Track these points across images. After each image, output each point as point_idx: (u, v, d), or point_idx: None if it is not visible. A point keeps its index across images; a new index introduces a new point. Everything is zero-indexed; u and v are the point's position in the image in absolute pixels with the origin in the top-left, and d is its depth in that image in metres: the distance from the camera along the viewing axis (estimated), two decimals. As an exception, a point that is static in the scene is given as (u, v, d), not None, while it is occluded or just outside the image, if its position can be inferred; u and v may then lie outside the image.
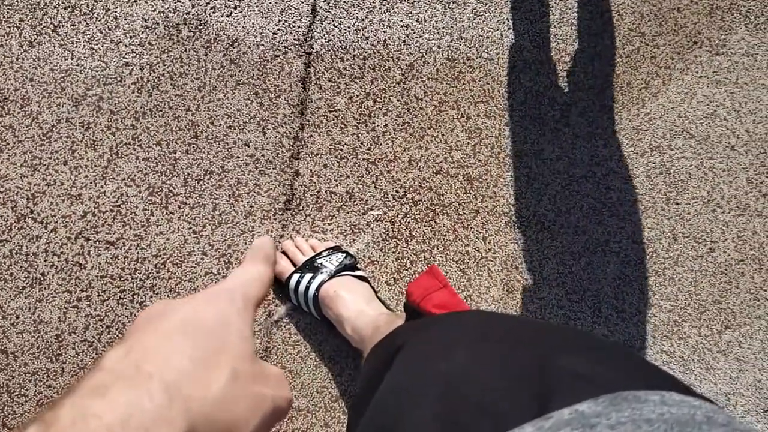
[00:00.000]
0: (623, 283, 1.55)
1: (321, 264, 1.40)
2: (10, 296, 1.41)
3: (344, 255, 1.43)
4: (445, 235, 1.54)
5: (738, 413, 1.51)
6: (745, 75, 1.69)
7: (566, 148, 1.61)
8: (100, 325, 1.41)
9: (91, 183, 1.48)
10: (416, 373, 0.73)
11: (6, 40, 1.54)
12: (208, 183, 1.51)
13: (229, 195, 1.51)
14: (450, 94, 1.62)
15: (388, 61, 1.63)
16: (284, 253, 1.45)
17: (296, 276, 1.40)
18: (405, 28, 1.64)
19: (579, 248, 1.55)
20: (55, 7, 1.57)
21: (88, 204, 1.47)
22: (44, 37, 1.55)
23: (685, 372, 1.53)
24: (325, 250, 1.43)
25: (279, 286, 1.46)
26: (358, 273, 1.42)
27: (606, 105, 1.64)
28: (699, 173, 1.63)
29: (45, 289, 1.42)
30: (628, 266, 1.56)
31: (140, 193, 1.49)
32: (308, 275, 1.39)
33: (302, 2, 1.63)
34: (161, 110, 1.54)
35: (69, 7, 1.57)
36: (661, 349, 1.52)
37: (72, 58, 1.54)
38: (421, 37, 1.64)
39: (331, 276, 1.38)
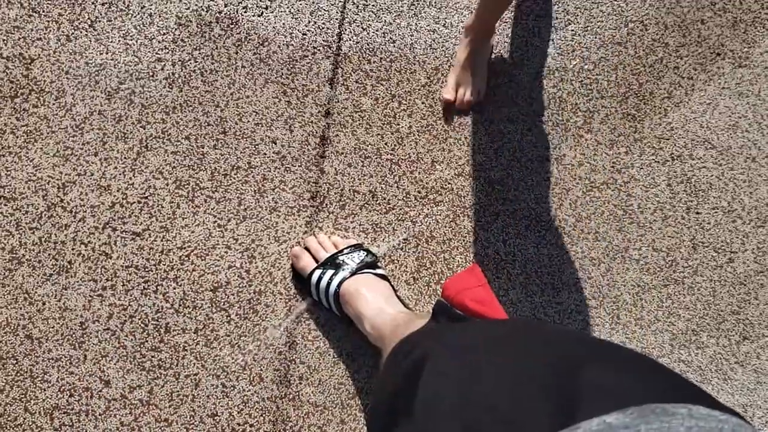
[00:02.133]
0: (642, 290, 1.45)
1: (343, 261, 1.31)
2: (37, 283, 1.34)
3: (365, 253, 1.34)
4: (466, 237, 1.44)
5: (756, 425, 1.41)
6: (767, 87, 1.58)
7: (588, 155, 1.51)
8: (124, 315, 1.34)
9: (120, 174, 1.41)
10: (442, 386, 0.67)
11: (45, 33, 1.47)
12: (234, 178, 1.43)
13: (255, 190, 1.43)
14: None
15: (414, 64, 1.54)
16: (307, 248, 1.37)
17: (318, 272, 1.32)
18: (432, 33, 1.55)
19: (599, 254, 1.45)
20: (92, 3, 1.50)
21: (117, 195, 1.40)
22: (81, 32, 1.48)
23: (702, 382, 1.42)
24: (347, 248, 1.34)
25: (300, 281, 1.38)
26: (378, 271, 1.34)
27: (628, 113, 1.54)
28: (720, 183, 1.52)
29: (71, 277, 1.35)
30: (648, 274, 1.46)
31: (168, 185, 1.42)
32: (330, 272, 1.31)
33: (332, 5, 1.55)
34: (191, 105, 1.46)
35: (106, 3, 1.50)
36: (679, 358, 1.42)
37: (107, 53, 1.47)
38: (447, 41, 1.55)
39: (353, 273, 1.29)
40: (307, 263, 1.34)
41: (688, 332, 1.42)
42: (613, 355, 0.69)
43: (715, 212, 1.50)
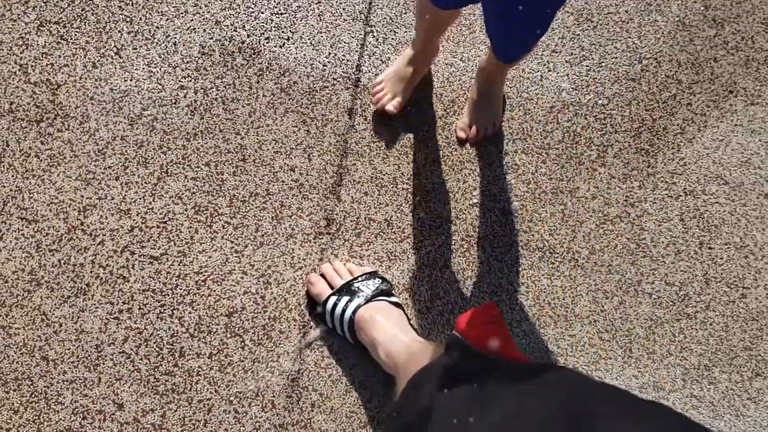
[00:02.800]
0: (655, 324, 1.42)
1: (358, 288, 1.29)
2: (55, 305, 1.33)
3: (381, 280, 1.32)
4: (479, 267, 1.42)
5: (770, 463, 1.37)
6: (779, 125, 1.57)
7: (601, 188, 1.49)
8: (139, 338, 1.32)
9: (140, 199, 1.40)
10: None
11: (72, 60, 1.47)
12: (252, 204, 1.42)
13: (272, 217, 1.42)
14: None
15: (432, 96, 1.53)
16: (322, 275, 1.35)
17: (333, 299, 1.30)
18: (449, 66, 1.55)
19: (612, 287, 1.43)
20: (119, 31, 1.50)
21: (136, 219, 1.39)
22: (107, 59, 1.48)
23: (715, 418, 1.38)
24: (362, 275, 1.32)
25: (315, 308, 1.36)
26: (393, 299, 1.31)
27: (642, 148, 1.53)
28: (732, 219, 1.50)
29: (89, 299, 1.33)
30: (660, 308, 1.43)
31: (186, 211, 1.40)
32: (345, 298, 1.28)
33: (352, 37, 1.55)
34: (212, 133, 1.45)
35: (132, 32, 1.50)
36: (691, 393, 1.38)
37: (131, 80, 1.47)
38: (464, 75, 1.54)
39: (368, 300, 1.27)
40: (322, 290, 1.32)
41: (700, 367, 1.39)
42: (627, 404, 0.67)
43: (728, 248, 1.47)
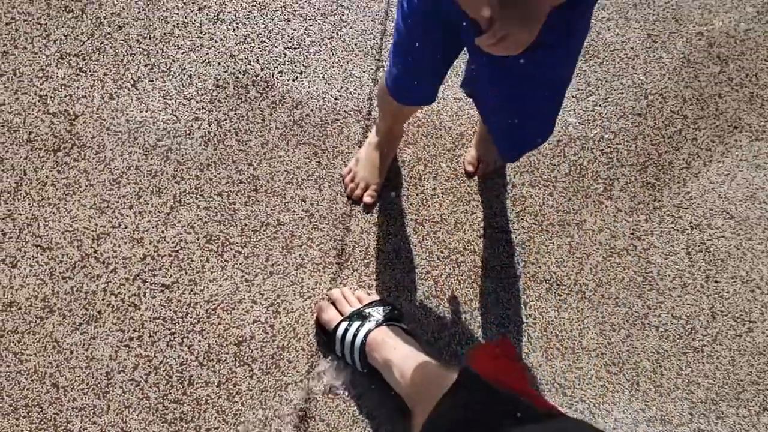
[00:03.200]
0: (662, 357, 1.40)
1: (369, 313, 1.28)
2: (67, 332, 1.32)
3: (390, 307, 1.31)
4: (487, 298, 1.41)
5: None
6: (784, 161, 1.57)
7: (608, 221, 1.49)
8: (149, 366, 1.31)
9: (153, 228, 1.41)
10: None
11: (90, 91, 1.49)
12: (263, 234, 1.42)
13: (283, 247, 1.42)
14: (496, 163, 1.52)
15: (440, 129, 1.54)
16: (332, 302, 1.35)
17: (344, 324, 1.29)
18: (458, 101, 1.56)
19: (619, 319, 1.41)
20: (136, 64, 1.53)
21: (149, 248, 1.39)
22: (124, 91, 1.50)
23: (723, 452, 1.36)
24: (372, 302, 1.31)
25: (324, 335, 1.35)
26: (403, 325, 1.30)
27: (648, 182, 1.53)
28: (738, 253, 1.49)
29: (100, 327, 1.33)
30: (667, 341, 1.41)
31: (198, 240, 1.41)
32: (356, 323, 1.27)
33: (364, 72, 1.57)
34: (225, 163, 1.46)
35: (149, 65, 1.53)
36: (698, 428, 1.36)
37: (147, 111, 1.49)
38: (472, 109, 1.55)
39: (379, 324, 1.26)
40: (332, 317, 1.31)
41: (707, 401, 1.37)
42: None
43: (734, 281, 1.46)
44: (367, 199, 1.43)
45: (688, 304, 1.44)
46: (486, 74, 1.04)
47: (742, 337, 1.42)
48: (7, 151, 1.43)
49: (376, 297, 1.35)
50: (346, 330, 1.27)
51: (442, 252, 1.44)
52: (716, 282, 1.46)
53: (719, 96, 1.61)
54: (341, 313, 1.31)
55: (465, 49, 1.06)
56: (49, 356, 1.30)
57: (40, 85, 1.48)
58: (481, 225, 1.46)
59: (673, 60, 1.64)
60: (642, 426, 1.34)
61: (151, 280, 1.36)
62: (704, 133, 1.58)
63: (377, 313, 1.28)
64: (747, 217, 1.51)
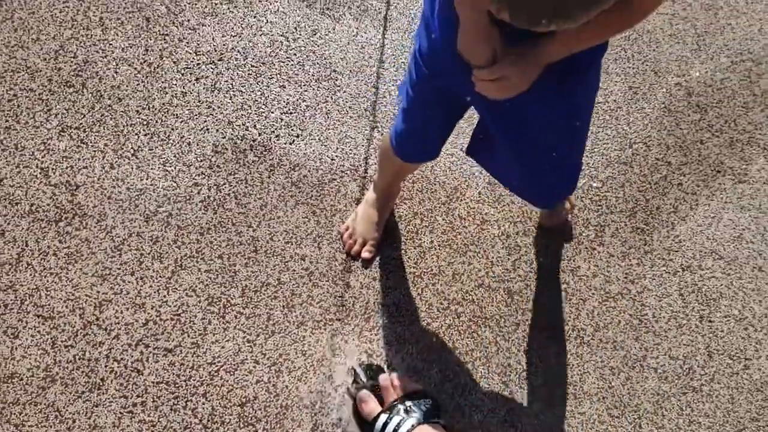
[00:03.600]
0: (662, 398, 1.39)
1: (410, 407, 1.25)
2: (69, 400, 1.31)
3: (432, 401, 1.27)
4: (487, 347, 1.41)
5: None
6: (767, 201, 1.60)
7: (601, 266, 1.51)
8: (152, 431, 1.30)
9: (154, 293, 1.41)
10: None
11: (91, 162, 1.52)
12: (264, 294, 1.43)
13: (284, 306, 1.42)
14: (491, 214, 1.54)
15: (435, 184, 1.57)
16: (373, 388, 1.29)
17: (384, 416, 1.24)
18: (450, 156, 1.60)
19: (618, 363, 1.41)
20: (136, 134, 1.56)
21: (151, 312, 1.39)
22: (124, 160, 1.53)
23: (733, 494, 1.34)
24: (414, 393, 1.26)
25: (359, 427, 1.33)
26: (443, 422, 1.26)
27: (637, 227, 1.55)
28: (730, 292, 1.51)
29: (103, 394, 1.32)
30: (666, 382, 1.41)
31: (200, 302, 1.41)
32: (396, 418, 1.23)
33: (359, 133, 1.61)
34: (225, 226, 1.48)
35: (149, 134, 1.56)
36: (707, 469, 1.35)
37: (147, 179, 1.51)
38: (464, 164, 1.58)
39: (420, 422, 1.22)
40: (373, 408, 1.26)
41: (714, 443, 1.36)
42: None
43: (728, 320, 1.47)
44: (365, 254, 1.45)
45: (684, 344, 1.44)
46: (500, 128, 1.07)
47: (739, 374, 1.42)
48: (8, 224, 1.44)
49: (419, 386, 1.30)
50: (386, 424, 1.22)
51: (441, 303, 1.45)
52: (710, 321, 1.47)
53: (701, 142, 1.66)
54: (383, 402, 1.26)
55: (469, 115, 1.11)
56: (51, 427, 1.28)
57: (42, 158, 1.51)
58: (479, 275, 1.48)
59: (655, 110, 1.69)
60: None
61: (154, 344, 1.36)
62: (689, 178, 1.61)
63: (419, 408, 1.23)
64: (736, 257, 1.54)
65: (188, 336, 1.37)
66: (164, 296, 1.40)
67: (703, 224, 1.56)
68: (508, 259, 1.50)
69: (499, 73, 0.85)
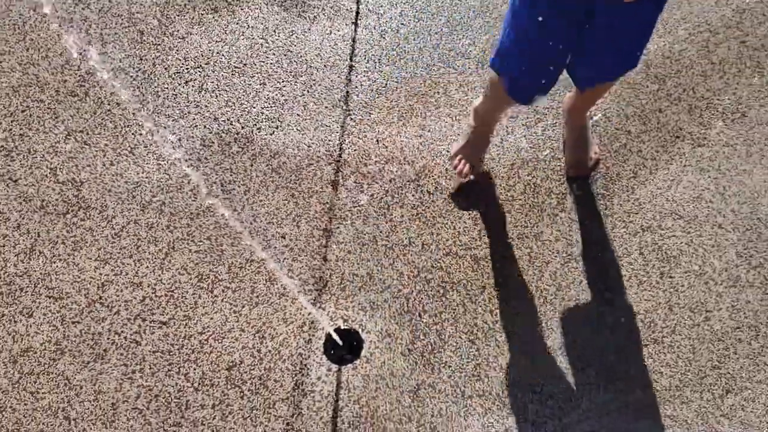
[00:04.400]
0: (625, 350, 1.44)
1: None
2: (76, 369, 1.43)
3: None
4: (456, 309, 1.49)
5: (748, 475, 1.34)
6: (726, 162, 1.63)
7: (564, 231, 1.57)
8: (149, 395, 1.41)
9: (150, 273, 1.53)
10: None
11: (93, 161, 1.66)
12: (248, 270, 1.54)
13: (266, 279, 1.52)
14: (458, 188, 1.63)
15: (404, 163, 1.66)
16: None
17: None
18: (419, 137, 1.69)
19: (580, 319, 1.47)
20: (133, 134, 1.69)
21: (147, 290, 1.51)
22: (123, 157, 1.66)
23: (694, 436, 1.38)
24: None
25: None
26: None
27: (598, 193, 1.61)
28: (690, 249, 1.55)
29: (106, 363, 1.44)
30: (629, 335, 1.46)
31: (191, 279, 1.53)
32: None
33: (334, 121, 1.71)
34: (212, 211, 1.60)
35: (144, 133, 1.69)
36: (665, 413, 1.38)
37: (143, 173, 1.64)
38: (432, 143, 1.67)
39: None
40: None
41: (671, 388, 1.40)
42: None
43: (688, 276, 1.52)
44: (472, 176, 1.59)
45: (645, 299, 1.49)
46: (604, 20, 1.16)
47: (700, 326, 1.46)
48: (23, 218, 1.58)
49: None
50: None
51: (411, 272, 1.53)
52: (671, 277, 1.51)
53: (659, 111, 1.71)
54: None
55: None
56: (61, 393, 1.41)
57: (51, 159, 1.66)
58: (447, 244, 1.56)
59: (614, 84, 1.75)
60: (613, 414, 1.38)
61: (150, 318, 1.48)
62: (648, 145, 1.67)
63: None
64: (695, 216, 1.58)
65: (180, 309, 1.49)
66: (159, 275, 1.52)
67: (662, 187, 1.61)
68: (474, 228, 1.58)
69: None
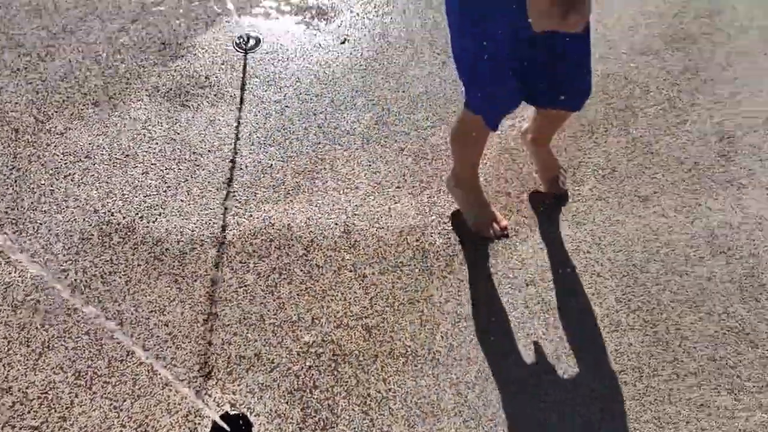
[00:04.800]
0: (517, 406, 1.42)
1: None
2: (-66, 491, 1.29)
3: None
4: (348, 381, 1.44)
5: None
6: (600, 215, 1.70)
7: (453, 292, 1.57)
8: None
9: (21, 376, 1.42)
10: None
11: (-36, 264, 1.57)
12: (129, 362, 1.45)
13: (149, 370, 1.44)
14: (347, 259, 1.62)
15: (292, 240, 1.65)
16: None
17: None
18: (304, 213, 1.69)
19: (472, 377, 1.45)
20: (4, 234, 1.62)
21: (18, 395, 1.40)
22: (-5, 258, 1.58)
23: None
24: None
25: None
26: None
27: (484, 253, 1.64)
28: (572, 299, 1.57)
29: (-32, 479, 1.31)
30: (520, 389, 1.44)
31: (67, 378, 1.43)
32: None
33: (218, 204, 1.70)
34: (92, 304, 1.52)
35: (17, 231, 1.62)
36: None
37: (15, 272, 1.57)
38: (321, 218, 1.68)
39: None
40: None
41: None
42: None
43: (571, 325, 1.53)
44: (504, 223, 1.68)
45: (536, 352, 1.49)
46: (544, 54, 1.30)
47: (585, 373, 1.47)
48: None
49: None
50: None
51: (301, 348, 1.48)
52: (555, 328, 1.52)
53: (536, 172, 1.78)
54: None
55: None
56: None
57: None
58: (337, 316, 1.53)
59: (492, 150, 1.82)
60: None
61: (20, 424, 1.36)
62: (527, 205, 1.72)
63: None
64: (574, 266, 1.62)
65: (55, 411, 1.38)
66: (31, 378, 1.42)
67: (542, 242, 1.65)
68: (366, 296, 1.56)
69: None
